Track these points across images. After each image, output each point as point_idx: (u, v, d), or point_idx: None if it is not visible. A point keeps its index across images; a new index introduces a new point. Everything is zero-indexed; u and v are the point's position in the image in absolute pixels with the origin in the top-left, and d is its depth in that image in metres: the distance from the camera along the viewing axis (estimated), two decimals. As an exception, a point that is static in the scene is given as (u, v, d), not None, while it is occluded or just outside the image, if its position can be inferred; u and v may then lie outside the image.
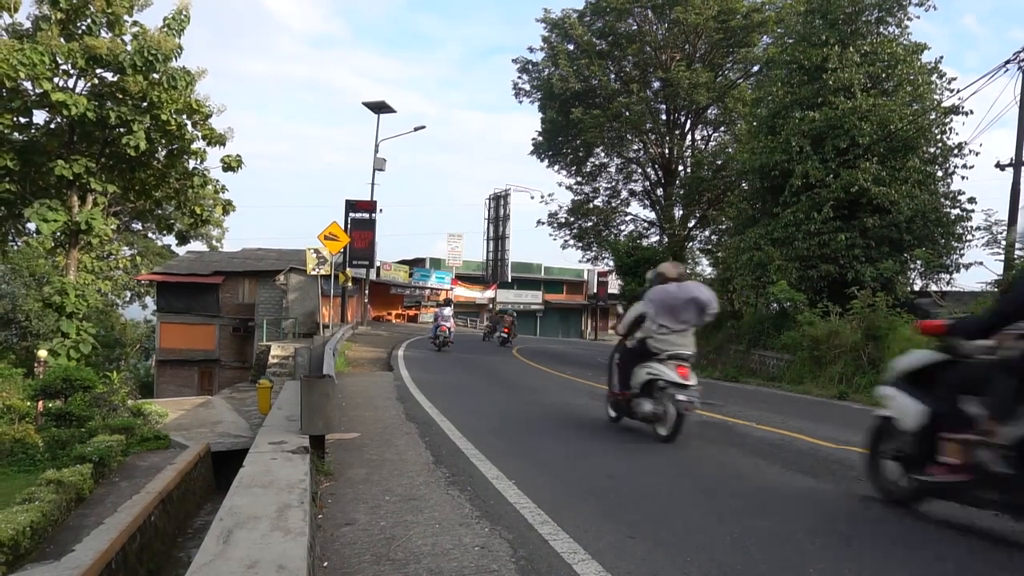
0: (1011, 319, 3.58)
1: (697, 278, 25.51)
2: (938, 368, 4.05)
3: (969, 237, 15.43)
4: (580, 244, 29.62)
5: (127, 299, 44.76)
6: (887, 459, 4.37)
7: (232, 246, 63.48)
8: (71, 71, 18.79)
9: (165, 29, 19.22)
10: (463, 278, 47.82)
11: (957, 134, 16.48)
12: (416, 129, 31.86)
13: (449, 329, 19.35)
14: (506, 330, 24.61)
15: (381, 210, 28.57)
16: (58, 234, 19.60)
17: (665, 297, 6.56)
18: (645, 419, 6.78)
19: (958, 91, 16.67)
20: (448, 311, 20.17)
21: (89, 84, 19.37)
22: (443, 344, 19.18)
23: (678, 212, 27.16)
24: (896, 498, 4.32)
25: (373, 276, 33.09)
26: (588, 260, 31.58)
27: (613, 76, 26.80)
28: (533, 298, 51.84)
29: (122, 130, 18.92)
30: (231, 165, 21.61)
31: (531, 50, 28.61)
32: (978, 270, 15.93)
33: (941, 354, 4.06)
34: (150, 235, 39.49)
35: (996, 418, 3.48)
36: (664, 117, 27.35)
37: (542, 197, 30.04)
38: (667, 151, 27.37)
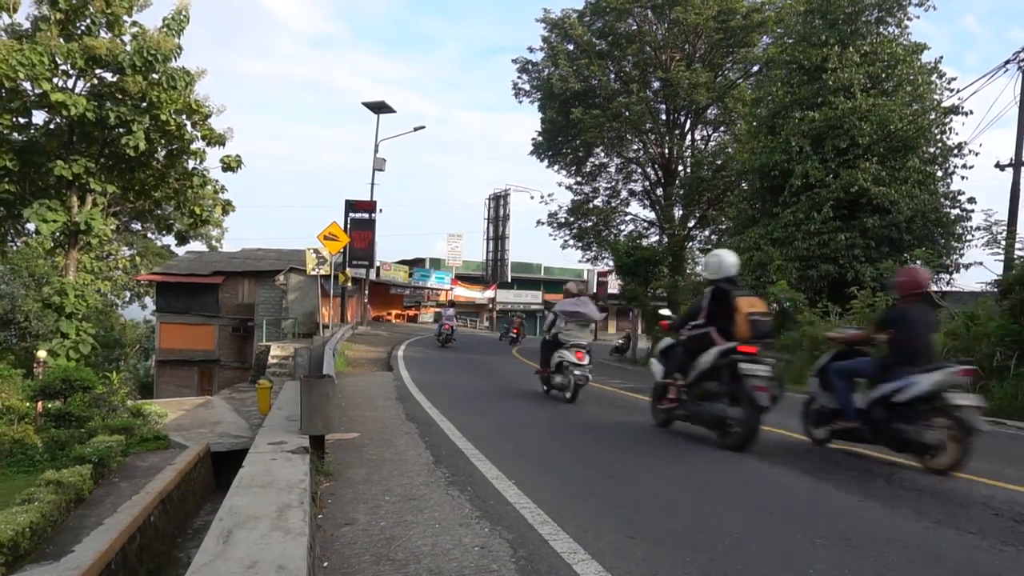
0: (687, 321, 6.90)
1: (696, 278, 25.57)
2: (671, 347, 7.24)
3: (969, 237, 15.45)
4: (580, 244, 29.60)
5: (127, 299, 44.76)
6: (656, 401, 7.43)
7: (232, 246, 63.57)
8: (70, 71, 18.77)
9: (164, 29, 19.20)
10: (463, 278, 47.82)
11: (957, 134, 16.52)
12: (416, 129, 31.89)
13: (452, 327, 21.93)
14: (515, 331, 26.86)
15: (381, 210, 28.59)
16: (57, 234, 19.58)
17: (568, 306, 9.54)
18: (557, 388, 9.61)
19: (958, 91, 16.72)
20: (451, 311, 23.32)
21: (88, 84, 19.35)
22: (447, 340, 21.57)
23: (678, 212, 27.15)
24: (660, 423, 7.39)
25: (373, 276, 33.07)
26: (588, 260, 31.56)
27: (613, 76, 26.76)
28: (533, 298, 51.82)
29: (121, 130, 18.89)
30: (230, 165, 21.58)
31: (531, 50, 28.62)
32: (978, 270, 15.90)
33: (672, 339, 7.36)
34: (149, 235, 39.47)
35: (680, 371, 6.84)
36: (664, 117, 27.31)
37: (542, 197, 30.03)
38: (667, 151, 27.34)
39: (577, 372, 9.07)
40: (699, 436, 7.15)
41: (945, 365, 5.44)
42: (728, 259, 6.74)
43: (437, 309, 46.32)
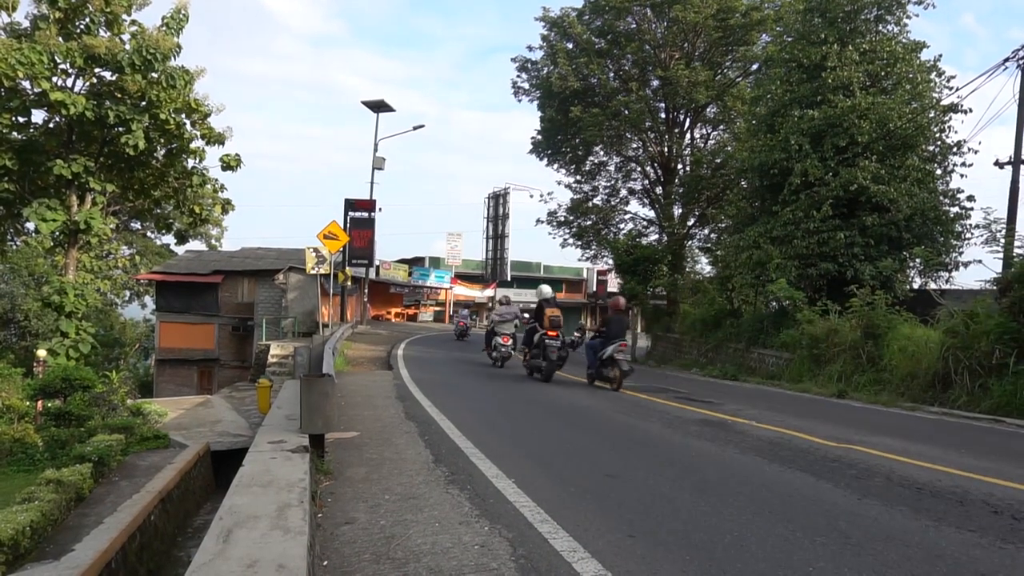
0: (531, 320, 13.10)
1: (696, 276, 25.61)
2: (525, 334, 13.34)
3: (968, 235, 15.43)
4: (579, 243, 29.49)
5: (126, 298, 44.68)
6: (524, 362, 13.31)
7: (231, 245, 63.53)
8: (70, 70, 18.73)
9: (164, 28, 19.17)
10: (462, 277, 47.82)
11: (956, 132, 16.38)
12: (415, 128, 31.89)
13: (466, 325, 26.91)
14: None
15: (380, 209, 28.56)
16: (57, 233, 19.56)
17: (498, 310, 15.68)
18: (495, 359, 14.83)
19: (957, 89, 16.70)
20: (466, 312, 29.09)
21: (88, 83, 19.32)
22: (462, 335, 25.81)
23: (677, 210, 27.08)
24: (528, 374, 12.85)
25: (372, 275, 33.06)
26: (587, 259, 31.38)
27: (612, 74, 26.67)
28: (532, 297, 51.86)
29: (121, 129, 18.86)
30: (230, 164, 21.56)
31: (530, 49, 28.49)
32: (977, 268, 15.87)
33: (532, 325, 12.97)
34: (149, 234, 39.43)
35: (527, 346, 12.96)
36: (663, 115, 27.22)
37: (541, 196, 30.00)
38: (666, 149, 27.29)
39: (503, 349, 14.55)
40: (700, 437, 7.16)
41: (617, 343, 11.34)
42: (545, 290, 13.27)
43: (437, 308, 46.45)
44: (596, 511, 4.24)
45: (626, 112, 25.24)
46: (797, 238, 15.39)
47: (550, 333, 12.05)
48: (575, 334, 14.08)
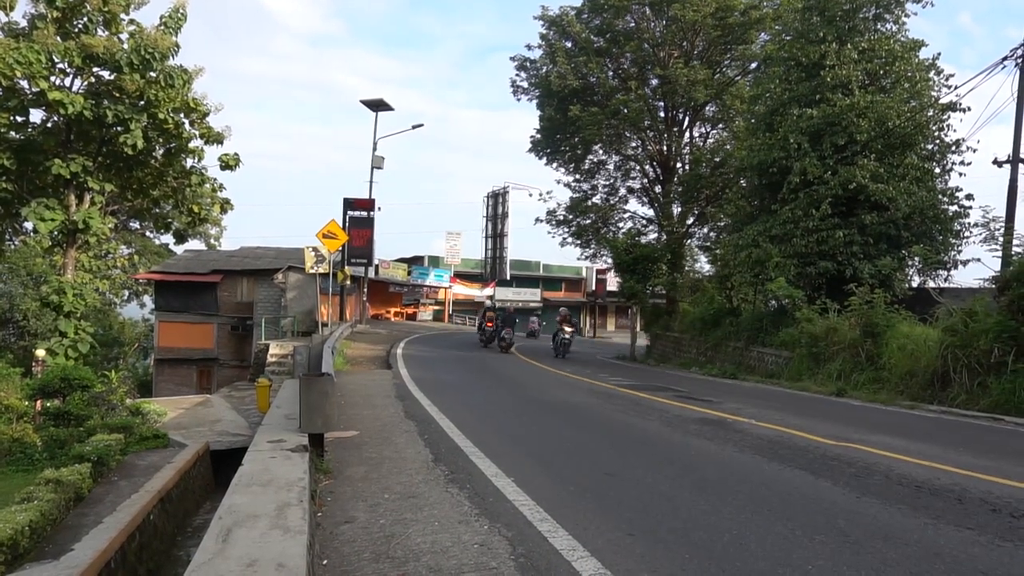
0: (482, 316, 24.58)
1: (695, 275, 25.63)
2: (480, 324, 24.38)
3: (967, 234, 15.44)
4: (579, 242, 29.47)
5: (125, 298, 44.61)
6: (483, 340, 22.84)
7: (230, 245, 63.34)
8: (68, 70, 18.68)
9: (162, 27, 19.12)
10: (462, 276, 47.79)
11: (955, 131, 16.40)
12: (414, 127, 31.87)
13: (535, 329, 34.88)
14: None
15: (379, 208, 28.52)
16: (55, 233, 19.51)
17: (483, 310, 26.68)
18: (481, 340, 22.80)
19: (955, 88, 16.62)
20: (535, 318, 37.23)
21: (86, 83, 19.26)
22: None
23: (676, 209, 27.08)
24: (483, 346, 22.44)
25: (372, 274, 33.04)
26: (587, 258, 31.37)
27: (611, 73, 26.66)
28: (532, 296, 51.80)
29: (119, 129, 18.81)
30: (229, 163, 21.50)
31: (529, 48, 28.47)
32: (976, 266, 15.88)
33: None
34: (148, 234, 39.36)
35: (479, 328, 24.22)
36: (662, 114, 27.21)
37: (540, 195, 29.91)
38: (665, 148, 27.28)
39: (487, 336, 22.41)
40: (699, 436, 7.17)
41: (506, 327, 21.18)
42: (487, 302, 30.64)
43: (436, 307, 46.49)
44: (595, 510, 4.24)
45: (625, 111, 25.23)
46: (796, 237, 15.39)
47: (488, 324, 21.88)
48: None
